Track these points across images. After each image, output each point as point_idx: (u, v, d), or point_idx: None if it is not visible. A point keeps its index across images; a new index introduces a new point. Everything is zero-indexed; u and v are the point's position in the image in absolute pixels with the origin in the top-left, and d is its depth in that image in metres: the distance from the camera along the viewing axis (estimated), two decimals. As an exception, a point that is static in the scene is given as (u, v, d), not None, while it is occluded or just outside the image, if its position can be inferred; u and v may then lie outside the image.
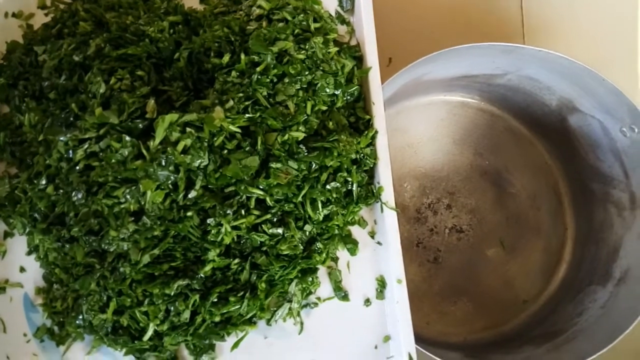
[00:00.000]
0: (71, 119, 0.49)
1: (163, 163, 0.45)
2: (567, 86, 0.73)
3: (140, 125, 0.47)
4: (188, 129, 0.47)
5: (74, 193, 0.46)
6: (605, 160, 0.76)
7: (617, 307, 0.69)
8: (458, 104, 0.87)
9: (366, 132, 0.56)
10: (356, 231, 0.58)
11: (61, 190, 0.49)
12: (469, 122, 0.87)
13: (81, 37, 0.52)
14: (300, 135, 0.51)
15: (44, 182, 0.49)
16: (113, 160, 0.46)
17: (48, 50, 0.53)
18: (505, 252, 0.83)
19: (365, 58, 0.59)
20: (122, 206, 0.46)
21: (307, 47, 0.54)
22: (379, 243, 0.57)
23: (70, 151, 0.47)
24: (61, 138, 0.47)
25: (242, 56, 0.51)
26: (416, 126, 0.85)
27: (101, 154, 0.46)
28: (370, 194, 0.57)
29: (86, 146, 0.47)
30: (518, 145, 0.86)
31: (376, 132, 0.57)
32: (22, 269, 0.55)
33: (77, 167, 0.47)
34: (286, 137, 0.51)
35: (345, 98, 0.56)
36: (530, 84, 0.77)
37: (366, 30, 0.59)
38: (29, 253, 0.54)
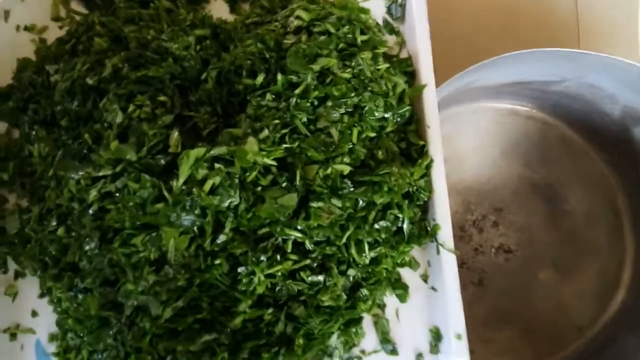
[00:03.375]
0: (85, 151, 0.43)
1: (188, 207, 0.39)
2: (634, 95, 0.66)
3: (162, 162, 0.40)
4: (217, 165, 0.40)
5: (86, 240, 0.40)
6: None
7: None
8: (507, 111, 0.80)
9: (420, 160, 0.49)
10: (406, 274, 0.51)
11: (74, 233, 0.43)
12: (519, 131, 0.80)
13: (96, 55, 0.45)
14: (346, 169, 0.44)
15: (54, 223, 0.43)
16: (130, 203, 0.39)
17: (61, 70, 0.47)
18: (558, 274, 0.77)
19: (418, 73, 0.51)
20: (141, 255, 0.40)
21: (353, 64, 0.46)
22: (433, 289, 0.50)
23: (83, 191, 0.41)
24: (72, 175, 0.41)
25: (279, 76, 0.44)
26: (460, 135, 0.79)
27: (117, 195, 0.40)
28: (423, 232, 0.49)
29: (100, 186, 0.40)
30: (573, 156, 0.79)
31: (432, 160, 0.49)
32: (34, 313, 0.49)
33: (90, 210, 0.41)
34: (329, 170, 0.44)
35: (395, 121, 0.49)
36: (591, 92, 0.70)
37: (420, 41, 0.51)
38: (42, 296, 0.49)
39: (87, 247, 0.40)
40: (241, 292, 0.44)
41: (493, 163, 0.79)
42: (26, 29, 0.53)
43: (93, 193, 0.40)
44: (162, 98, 0.43)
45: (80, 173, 0.41)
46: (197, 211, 0.40)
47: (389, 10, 0.54)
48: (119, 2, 0.50)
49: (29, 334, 0.49)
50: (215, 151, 0.40)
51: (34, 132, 0.46)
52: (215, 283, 0.43)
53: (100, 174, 0.41)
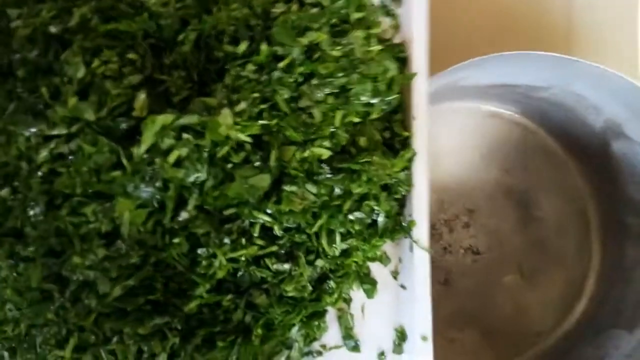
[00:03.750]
0: (40, 106, 0.39)
1: (148, 178, 0.36)
2: (619, 108, 0.65)
3: (124, 126, 0.37)
4: (185, 135, 0.37)
5: (32, 204, 0.36)
6: None
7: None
8: (490, 113, 0.78)
9: (402, 152, 0.46)
10: (376, 269, 0.48)
11: (19, 195, 0.39)
12: (500, 134, 0.79)
13: (64, 2, 0.41)
14: (325, 154, 0.41)
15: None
16: (84, 168, 0.36)
17: (24, 15, 0.42)
18: (523, 279, 0.76)
19: (410, 61, 0.48)
20: (91, 226, 0.36)
21: (344, 42, 0.43)
22: (402, 287, 0.48)
23: (33, 150, 0.36)
24: (24, 131, 0.37)
25: (263, 46, 0.41)
26: (441, 133, 0.77)
27: (70, 157, 0.36)
28: (398, 226, 0.47)
29: (52, 146, 0.36)
30: (550, 165, 0.78)
31: (414, 153, 0.46)
32: (-30, 278, 0.45)
33: (40, 172, 0.37)
34: (307, 153, 0.41)
35: (381, 108, 0.46)
36: (575, 101, 0.69)
37: (416, 26, 0.48)
38: (-20, 260, 0.45)
39: (32, 212, 0.36)
40: (200, 275, 0.41)
41: (471, 164, 0.77)
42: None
43: (43, 153, 0.36)
44: (131, 56, 0.39)
45: (32, 130, 0.36)
46: (158, 184, 0.36)
47: (385, -9, 0.51)
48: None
49: (-37, 299, 0.45)
50: (185, 120, 0.37)
51: (-16, 80, 0.42)
52: (172, 263, 0.40)
53: (54, 132, 0.37)
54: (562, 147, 0.78)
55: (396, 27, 0.50)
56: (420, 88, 0.48)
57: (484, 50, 0.56)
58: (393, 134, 0.48)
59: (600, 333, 0.71)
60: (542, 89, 0.69)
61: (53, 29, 0.39)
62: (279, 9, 0.44)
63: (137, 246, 0.38)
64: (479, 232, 0.76)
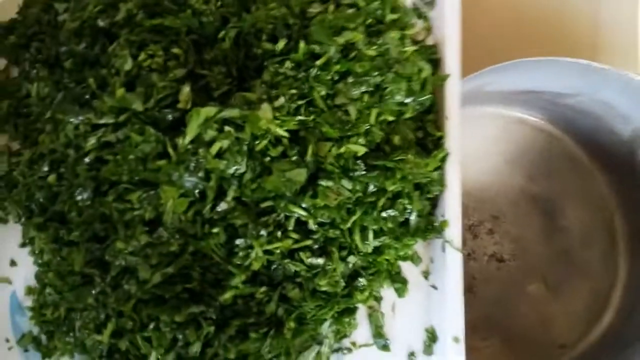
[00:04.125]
0: (87, 96, 0.40)
1: (192, 167, 0.37)
2: None
3: (170, 117, 0.38)
4: (227, 128, 0.38)
5: (79, 190, 0.37)
6: None
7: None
8: (515, 119, 0.78)
9: (435, 152, 0.46)
10: (407, 268, 0.49)
11: (65, 182, 0.40)
12: (525, 141, 0.78)
13: (111, -3, 0.42)
14: (361, 150, 0.42)
15: (46, 168, 0.41)
16: (131, 156, 0.37)
17: (70, 9, 0.44)
18: (547, 289, 0.74)
19: (443, 62, 0.49)
20: (136, 213, 0.38)
21: (379, 42, 0.44)
22: (433, 287, 0.48)
23: (81, 137, 0.38)
24: (72, 119, 0.38)
25: (301, 44, 0.42)
26: (466, 138, 0.75)
27: (117, 146, 0.37)
28: (430, 226, 0.47)
29: (100, 134, 0.38)
30: (576, 173, 0.77)
31: (447, 154, 0.47)
32: (12, 263, 0.47)
33: (87, 159, 0.38)
34: (342, 149, 0.42)
35: (415, 107, 0.46)
36: (603, 109, 0.68)
37: (449, 28, 0.49)
38: (23, 245, 0.46)
39: (78, 198, 0.38)
40: (236, 266, 0.41)
41: (496, 170, 0.77)
42: (38, -37, 0.50)
43: (92, 141, 0.38)
44: (176, 50, 0.40)
45: (80, 118, 0.38)
46: (200, 174, 0.37)
47: (420, -6, 0.52)
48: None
49: (5, 283, 0.46)
50: (227, 113, 0.38)
51: (34, 71, 0.43)
52: (209, 253, 0.41)
53: (102, 121, 0.38)
54: (588, 156, 0.77)
55: (428, 30, 0.51)
56: (453, 89, 0.48)
57: (509, 56, 0.57)
58: (426, 134, 0.48)
59: (627, 347, 0.68)
60: (568, 96, 0.69)
61: (101, 23, 0.41)
62: (315, 8, 0.45)
63: (178, 235, 0.39)
64: (503, 239, 0.75)
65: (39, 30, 0.46)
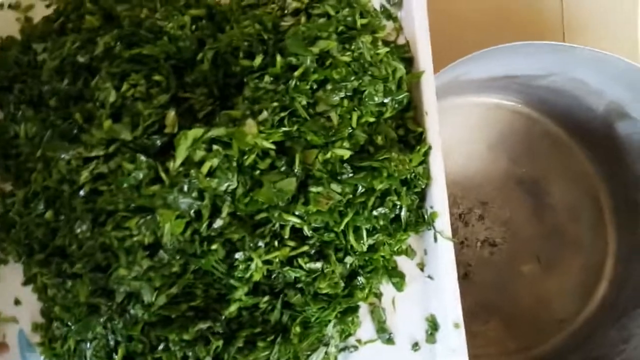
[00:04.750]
0: (75, 131, 0.41)
1: (185, 189, 0.38)
2: (620, 90, 0.66)
3: (158, 142, 0.39)
4: (215, 147, 0.39)
5: (77, 223, 0.38)
6: None
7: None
8: (493, 105, 0.79)
9: (418, 147, 0.48)
10: (403, 262, 0.50)
11: (62, 217, 0.41)
12: (505, 126, 0.80)
13: (87, 33, 0.43)
14: (346, 154, 0.43)
15: (42, 206, 0.41)
16: (125, 185, 0.38)
17: (49, 48, 0.45)
18: (541, 268, 0.77)
19: (416, 60, 0.51)
20: (135, 239, 0.38)
21: (353, 47, 0.45)
22: (429, 277, 0.49)
23: (73, 172, 0.39)
24: (63, 155, 0.39)
25: (278, 58, 0.43)
26: (446, 129, 0.78)
27: (110, 176, 0.38)
28: (420, 219, 0.49)
29: (92, 166, 0.39)
30: (557, 152, 0.79)
31: (430, 147, 0.48)
32: (17, 301, 0.47)
33: (82, 192, 0.39)
34: (329, 155, 0.43)
35: (393, 106, 0.48)
36: (576, 87, 0.70)
37: (418, 26, 0.51)
38: (26, 283, 0.47)
39: (78, 230, 0.39)
40: (237, 279, 0.43)
41: (479, 157, 0.78)
42: (11, 7, 0.51)
43: (85, 174, 0.39)
44: (157, 77, 0.42)
45: (72, 153, 0.39)
46: (194, 194, 0.38)
47: (385, -5, 0.53)
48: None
49: (12, 322, 0.47)
50: (214, 132, 0.39)
51: (20, 112, 0.44)
52: (210, 270, 0.42)
53: (93, 154, 0.39)
54: (568, 134, 0.79)
55: (398, 30, 0.53)
56: (428, 84, 0.50)
57: (480, 45, 0.58)
58: (407, 131, 0.50)
59: (622, 315, 0.71)
60: (542, 77, 0.70)
61: (80, 59, 0.42)
62: (287, 22, 0.47)
63: (178, 255, 0.40)
64: (494, 224, 0.77)
65: (19, 72, 0.46)
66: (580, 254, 0.77)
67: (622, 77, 0.63)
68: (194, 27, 0.46)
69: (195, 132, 0.38)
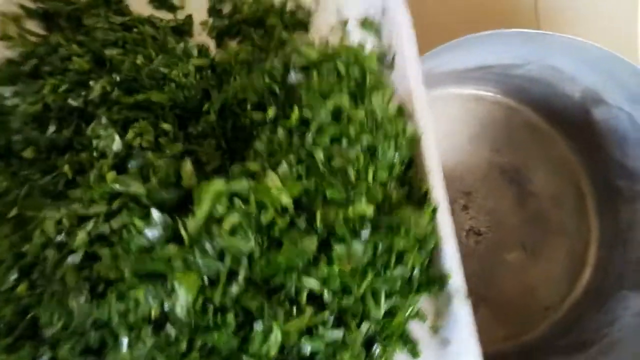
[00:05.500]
0: (59, 187, 0.35)
1: (209, 249, 0.32)
2: (594, 76, 0.68)
3: (172, 196, 0.34)
4: (237, 201, 0.35)
5: (70, 296, 0.31)
6: (632, 155, 0.71)
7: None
8: (471, 97, 0.80)
9: (425, 205, 0.47)
10: (414, 326, 0.47)
11: (39, 289, 0.33)
12: (484, 117, 0.80)
13: (77, 76, 0.38)
14: (369, 211, 0.41)
15: (13, 277, 0.33)
16: (133, 247, 0.32)
17: (21, 92, 0.39)
18: (527, 255, 0.77)
19: (414, 117, 0.51)
20: (140, 312, 0.32)
21: (365, 103, 0.44)
22: (445, 341, 0.46)
23: (65, 234, 0.32)
24: (51, 214, 0.32)
25: (295, 111, 0.41)
26: None
27: (113, 237, 0.32)
28: (432, 279, 0.47)
29: (90, 226, 0.32)
30: (538, 140, 0.80)
31: (437, 207, 0.47)
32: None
33: (74, 258, 0.32)
34: (350, 212, 0.40)
35: (401, 164, 0.47)
36: (552, 75, 0.72)
37: (414, 86, 0.51)
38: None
39: (72, 305, 0.31)
40: (251, 356, 0.37)
41: (461, 148, 0.78)
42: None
43: (81, 236, 0.32)
44: (164, 126, 0.37)
45: (64, 211, 0.32)
46: (214, 255, 0.33)
47: (378, 58, 0.54)
48: (93, 23, 0.44)
49: None
50: (236, 185, 0.35)
51: (-17, 165, 0.37)
52: (220, 346, 0.36)
53: (91, 211, 0.33)
54: (547, 122, 0.80)
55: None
56: (430, 141, 0.50)
57: (452, 36, 0.57)
58: (410, 189, 0.49)
59: (608, 298, 0.72)
60: (518, 66, 0.71)
61: (74, 102, 0.36)
62: (296, 76, 0.45)
63: (186, 329, 0.34)
64: (478, 213, 0.77)
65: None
66: (564, 240, 0.77)
67: (596, 63, 0.64)
68: (198, 76, 0.42)
69: (217, 185, 0.34)
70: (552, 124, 0.80)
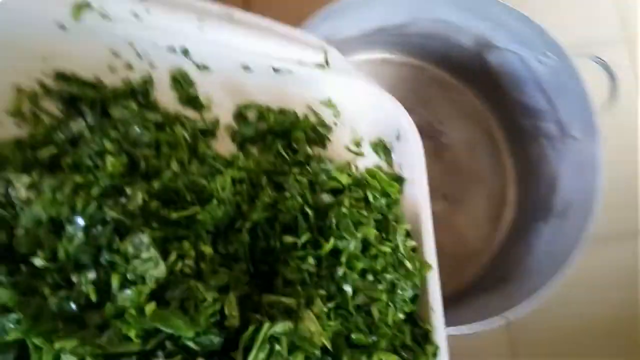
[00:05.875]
0: (75, 310, 0.30)
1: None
2: (479, 23, 0.71)
3: (221, 340, 0.30)
4: (277, 347, 0.32)
5: None
6: (528, 93, 0.75)
7: (560, 241, 0.65)
8: (378, 61, 0.82)
9: (426, 347, 0.46)
10: None
11: None
12: (393, 78, 0.82)
13: (112, 179, 0.34)
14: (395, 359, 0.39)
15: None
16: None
17: (37, 184, 0.34)
18: (450, 205, 0.79)
19: (420, 250, 0.51)
20: None
21: (390, 237, 0.44)
22: None
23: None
24: (71, 346, 0.27)
25: (331, 240, 0.40)
26: None
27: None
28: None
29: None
30: (446, 94, 0.83)
31: (439, 348, 0.47)
32: None
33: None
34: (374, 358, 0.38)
35: (412, 302, 0.47)
36: (443, 28, 0.74)
37: (423, 219, 0.52)
38: None
39: None
40: None
41: None
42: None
43: (108, 380, 0.27)
44: (205, 249, 0.34)
45: (88, 349, 0.27)
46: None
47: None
48: (122, 116, 0.41)
49: None
50: (278, 328, 0.32)
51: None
52: None
53: (120, 350, 0.28)
54: (451, 75, 0.83)
55: None
56: (434, 280, 0.50)
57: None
58: (413, 327, 0.48)
59: (526, 233, 0.75)
60: (409, 24, 0.73)
61: (112, 213, 0.32)
62: (326, 199, 0.44)
63: None
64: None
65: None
66: (483, 185, 0.81)
67: (477, 9, 0.67)
68: (233, 190, 0.40)
69: (267, 327, 0.31)
70: (455, 76, 0.84)
